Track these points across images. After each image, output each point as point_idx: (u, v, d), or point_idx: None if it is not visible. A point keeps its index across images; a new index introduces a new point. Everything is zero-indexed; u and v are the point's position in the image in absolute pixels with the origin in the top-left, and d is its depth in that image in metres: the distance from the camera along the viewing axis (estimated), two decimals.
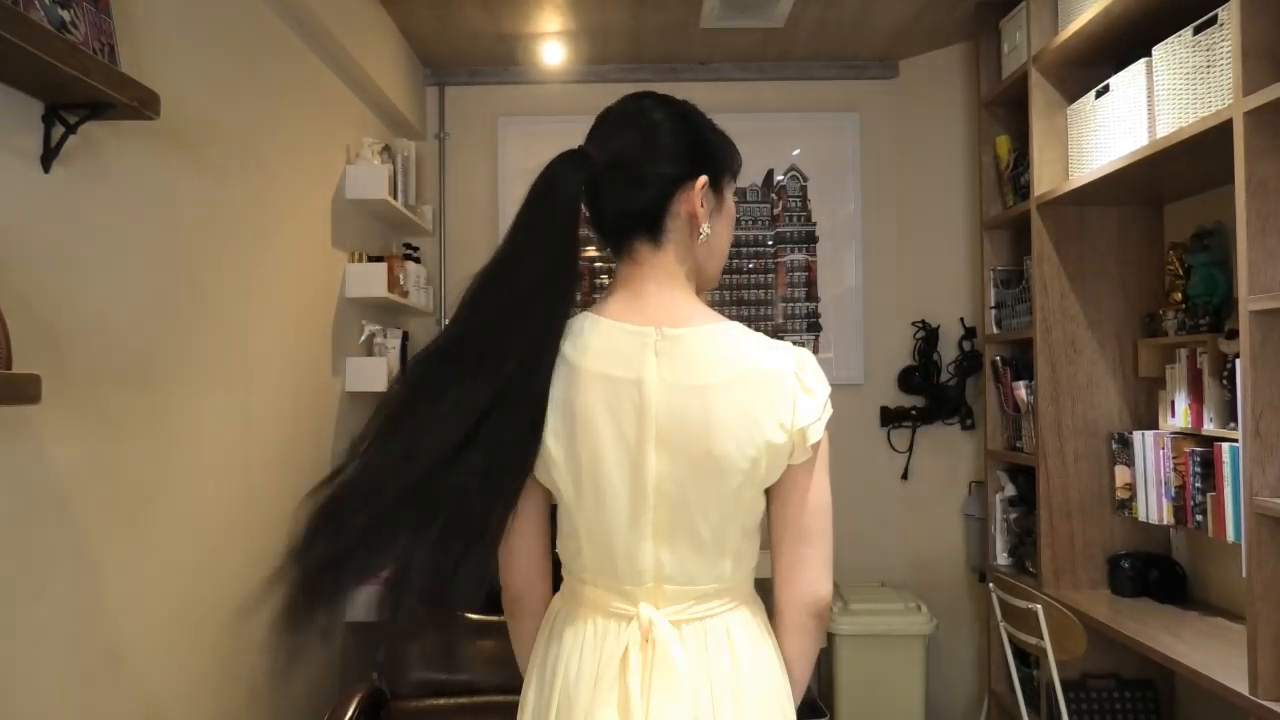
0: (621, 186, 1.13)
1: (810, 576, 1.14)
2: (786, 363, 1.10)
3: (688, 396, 1.07)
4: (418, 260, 3.26)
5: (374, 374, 2.83)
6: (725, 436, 1.07)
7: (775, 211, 3.54)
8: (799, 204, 3.54)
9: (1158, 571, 2.55)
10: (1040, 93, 2.69)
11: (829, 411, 1.11)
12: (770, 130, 3.53)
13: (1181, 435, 2.40)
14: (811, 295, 3.53)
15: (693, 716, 1.06)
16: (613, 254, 1.18)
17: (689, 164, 1.14)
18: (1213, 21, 1.96)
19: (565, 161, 1.12)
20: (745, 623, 1.15)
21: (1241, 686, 1.83)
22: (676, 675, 1.07)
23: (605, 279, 3.38)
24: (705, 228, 1.15)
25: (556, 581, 1.23)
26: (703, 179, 1.14)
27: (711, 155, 1.17)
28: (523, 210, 1.10)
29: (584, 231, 1.14)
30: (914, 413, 3.47)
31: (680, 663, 1.08)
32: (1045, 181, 2.69)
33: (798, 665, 1.19)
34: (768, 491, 1.14)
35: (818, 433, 1.10)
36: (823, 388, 1.11)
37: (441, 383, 1.05)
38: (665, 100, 1.19)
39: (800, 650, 1.18)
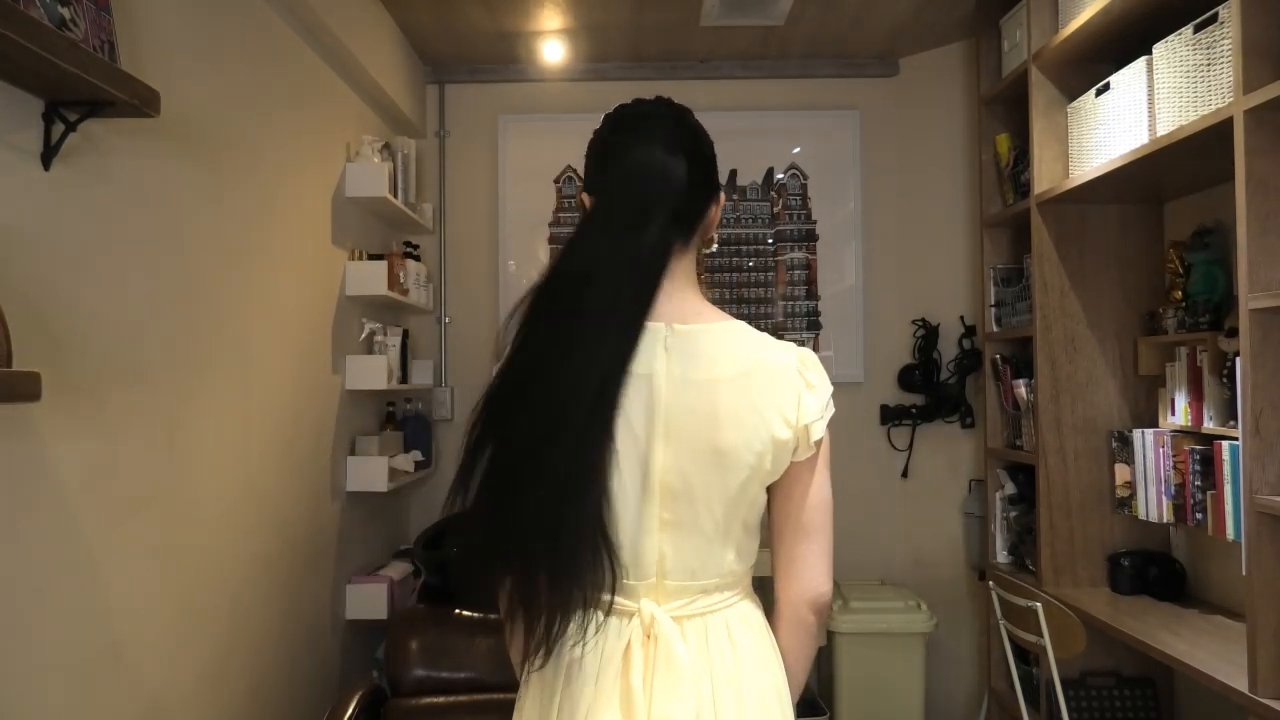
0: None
1: (811, 573, 1.15)
2: (790, 360, 1.13)
3: (696, 391, 1.09)
4: (418, 258, 3.26)
5: (374, 372, 2.83)
6: (732, 431, 1.08)
7: (775, 210, 3.53)
8: (799, 202, 3.54)
9: (1157, 569, 2.55)
10: (1040, 91, 2.69)
11: (831, 409, 1.13)
12: (770, 128, 3.53)
13: (1181, 433, 2.40)
14: (811, 293, 3.53)
15: (695, 712, 1.07)
16: None
17: (717, 177, 1.22)
18: (1213, 19, 1.96)
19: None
20: (746, 619, 1.15)
21: (1241, 684, 1.83)
22: (679, 671, 1.07)
23: None
24: (715, 236, 1.23)
25: None
26: (723, 194, 1.22)
27: (717, 172, 1.24)
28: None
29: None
30: (914, 411, 3.47)
31: (683, 658, 1.08)
32: (1045, 179, 2.69)
33: (797, 662, 1.19)
34: (769, 488, 1.15)
35: (820, 429, 1.12)
36: (825, 385, 1.14)
37: None
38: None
39: (800, 647, 1.19)
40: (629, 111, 1.21)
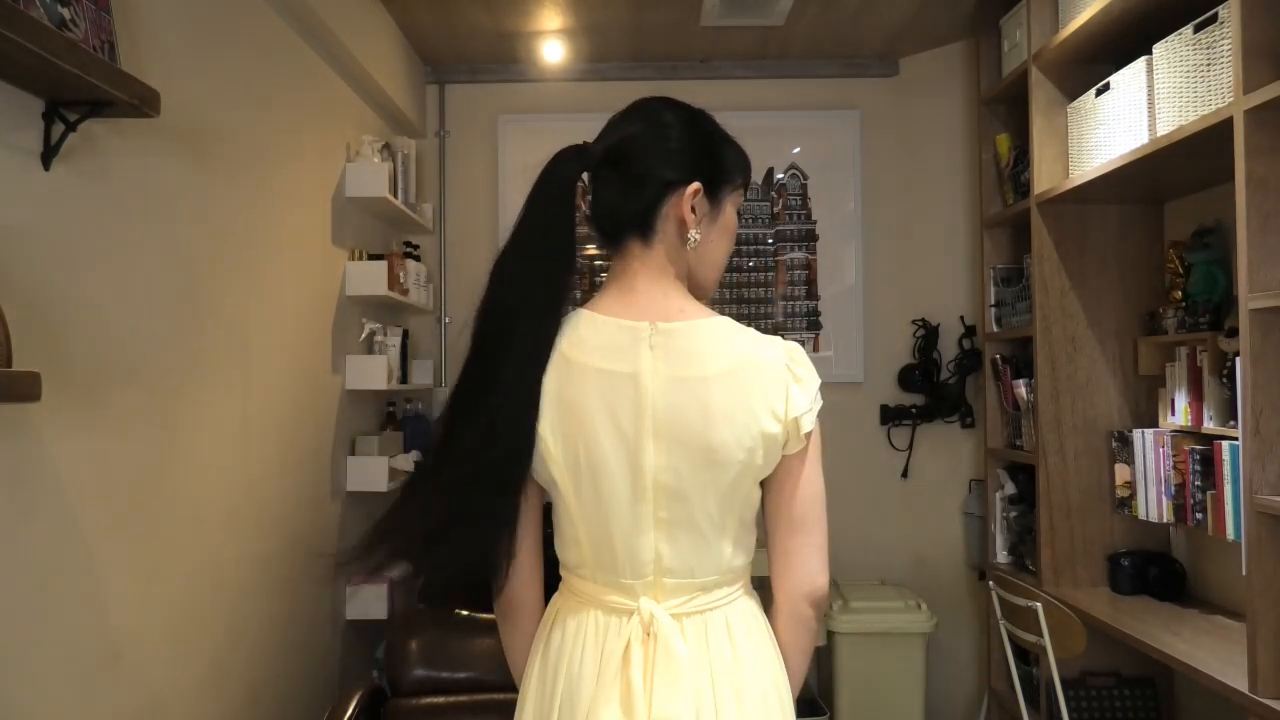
0: (617, 183, 1.15)
1: (806, 567, 1.15)
2: (777, 354, 1.13)
3: (683, 388, 1.08)
4: (418, 258, 3.26)
5: (374, 372, 2.83)
6: (722, 427, 1.08)
7: (775, 209, 3.53)
8: (799, 202, 3.54)
9: (1157, 569, 2.55)
10: (1040, 91, 2.69)
11: (820, 402, 1.13)
12: (770, 128, 3.53)
13: (1181, 433, 2.40)
14: (811, 293, 3.53)
15: (695, 710, 1.07)
16: (607, 251, 1.20)
17: (685, 168, 1.15)
18: (1213, 19, 1.96)
19: (565, 154, 1.15)
20: (744, 615, 1.15)
21: (1241, 684, 1.83)
22: (679, 668, 1.07)
23: (604, 277, 3.38)
24: (694, 234, 1.15)
25: (553, 583, 1.23)
26: (695, 185, 1.14)
27: (712, 163, 1.17)
28: (525, 203, 1.14)
29: (582, 230, 1.16)
30: (914, 411, 3.47)
31: (682, 656, 1.08)
32: (1045, 179, 2.68)
33: (795, 657, 1.19)
34: (763, 484, 1.15)
35: (810, 422, 1.12)
36: (813, 378, 1.14)
37: (467, 371, 1.13)
38: (675, 104, 1.19)
39: (798, 641, 1.19)
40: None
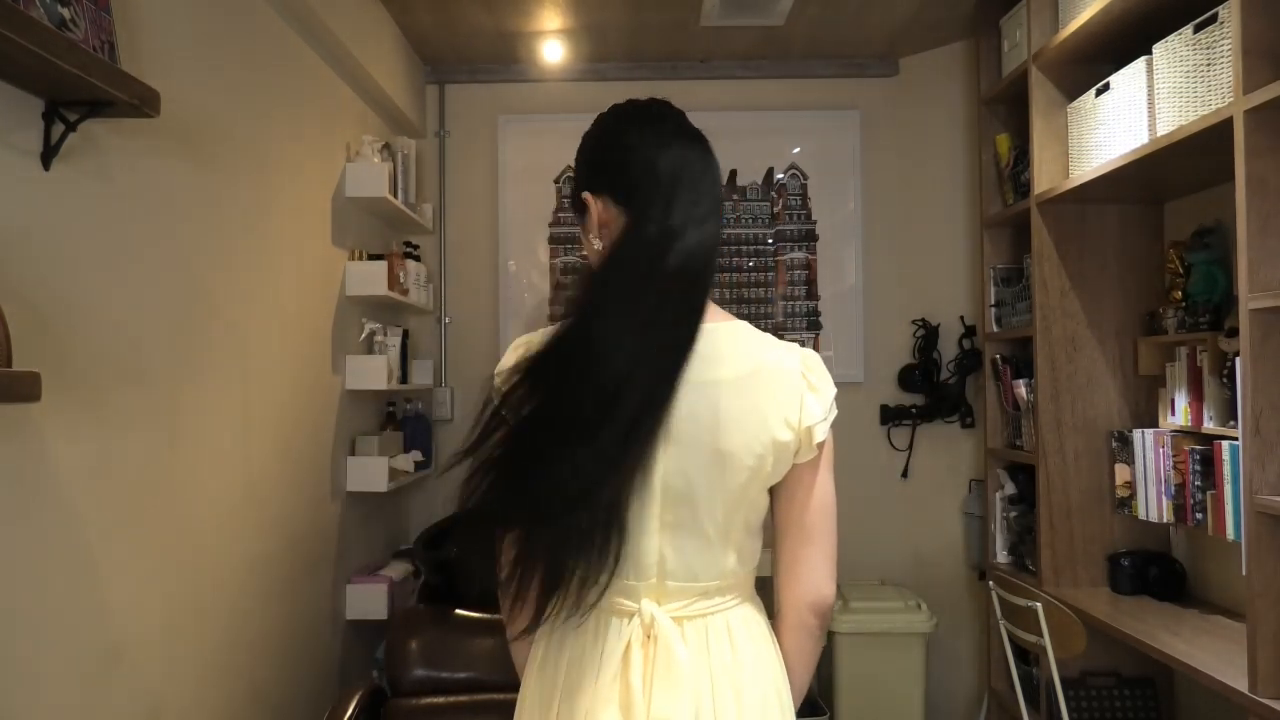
0: (690, 194, 1.12)
1: (813, 576, 1.14)
2: (793, 362, 1.12)
3: (697, 392, 1.08)
4: (418, 258, 3.26)
5: (374, 372, 2.83)
6: (733, 432, 1.08)
7: (775, 210, 3.53)
8: (799, 202, 3.54)
9: (1157, 569, 2.55)
10: (1040, 91, 2.69)
11: (834, 412, 1.13)
12: (770, 128, 3.53)
13: (1181, 433, 2.40)
14: (811, 293, 3.52)
15: (694, 713, 1.07)
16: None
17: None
18: (1213, 20, 1.96)
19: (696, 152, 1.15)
20: (746, 620, 1.15)
21: (1241, 684, 1.83)
22: (678, 671, 1.07)
23: None
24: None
25: None
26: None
27: None
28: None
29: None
30: (914, 411, 3.47)
31: (682, 659, 1.08)
32: (1045, 179, 2.69)
33: (799, 664, 1.19)
34: (772, 490, 1.15)
35: (823, 432, 1.11)
36: (828, 387, 1.13)
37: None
38: None
39: (802, 649, 1.19)
40: (641, 110, 1.18)
